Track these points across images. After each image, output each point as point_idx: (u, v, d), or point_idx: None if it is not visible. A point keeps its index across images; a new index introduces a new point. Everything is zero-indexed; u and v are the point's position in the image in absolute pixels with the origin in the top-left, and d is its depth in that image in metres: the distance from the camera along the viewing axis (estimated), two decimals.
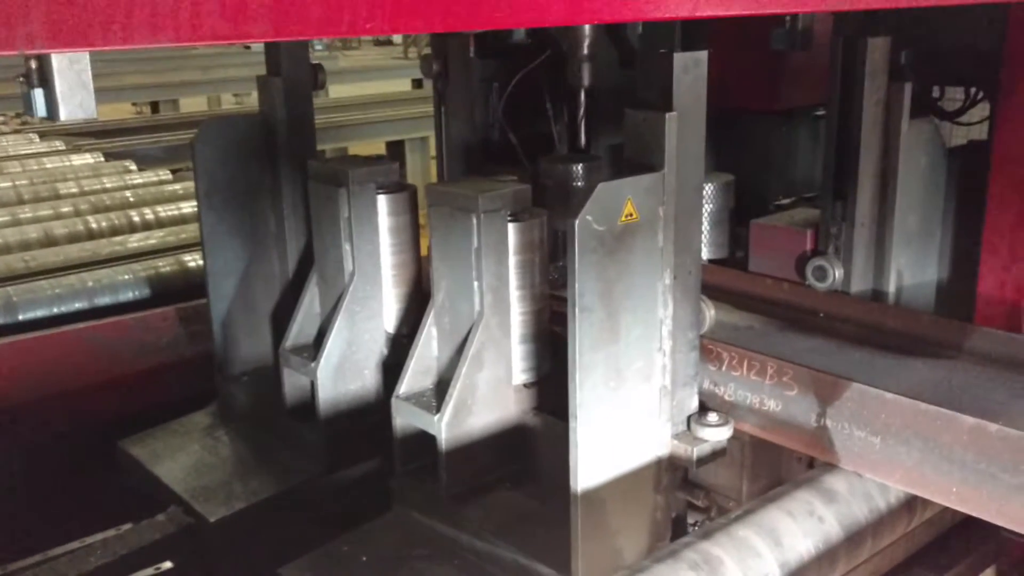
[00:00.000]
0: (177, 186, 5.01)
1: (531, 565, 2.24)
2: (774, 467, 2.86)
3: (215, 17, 1.14)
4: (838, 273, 2.63)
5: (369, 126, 7.88)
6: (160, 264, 3.71)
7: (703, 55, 2.11)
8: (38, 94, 1.61)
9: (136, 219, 4.43)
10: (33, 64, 1.55)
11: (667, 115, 2.06)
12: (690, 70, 2.09)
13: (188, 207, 4.62)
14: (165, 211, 4.54)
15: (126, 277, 3.60)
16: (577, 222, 1.94)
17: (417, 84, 11.35)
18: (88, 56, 1.49)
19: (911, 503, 2.13)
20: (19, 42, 1.01)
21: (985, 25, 2.67)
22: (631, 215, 2.04)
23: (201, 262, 3.73)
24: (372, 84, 11.16)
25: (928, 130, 2.67)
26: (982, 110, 3.02)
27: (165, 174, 5.34)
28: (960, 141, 3.17)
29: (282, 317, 3.28)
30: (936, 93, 3.06)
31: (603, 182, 1.97)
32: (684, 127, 2.09)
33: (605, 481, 2.12)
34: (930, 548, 2.35)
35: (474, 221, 2.38)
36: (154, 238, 4.12)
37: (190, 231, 4.22)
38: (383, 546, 2.47)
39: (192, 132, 7.37)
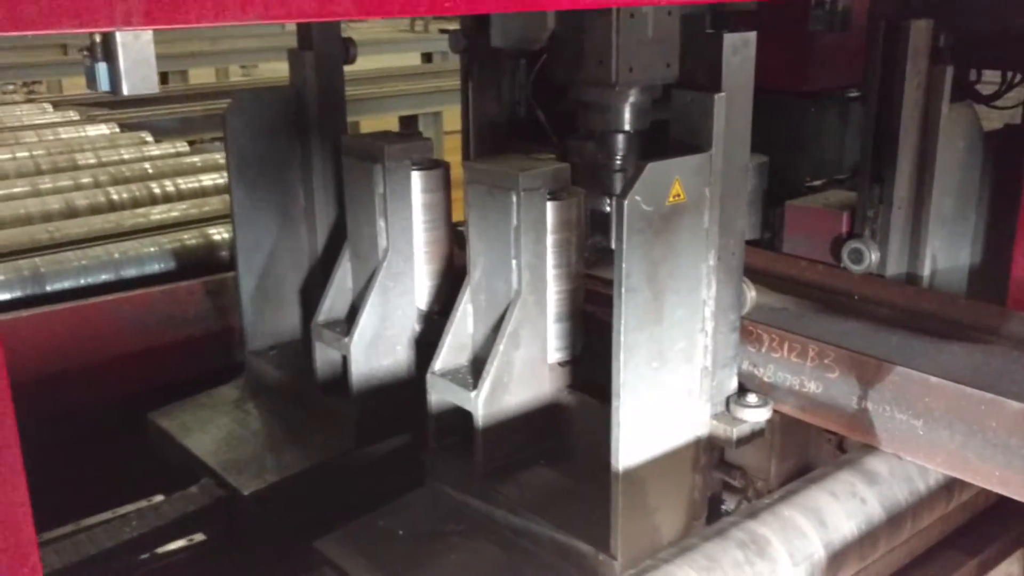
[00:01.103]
0: (196, 158, 5.00)
1: (569, 541, 2.25)
2: (802, 448, 2.88)
3: None
4: (874, 256, 2.64)
5: (381, 100, 7.84)
6: (185, 237, 3.71)
7: (751, 36, 2.10)
8: (101, 68, 1.61)
9: (157, 191, 4.42)
10: (97, 38, 1.55)
11: (716, 96, 2.06)
12: (739, 51, 2.09)
13: (208, 179, 4.61)
14: (185, 183, 4.53)
15: (152, 249, 3.60)
16: (627, 202, 1.94)
17: (427, 58, 11.30)
18: (152, 31, 1.48)
19: (950, 486, 2.15)
20: (118, 18, 1.01)
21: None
22: (678, 196, 2.04)
23: (227, 235, 3.74)
24: (380, 57, 11.09)
25: (967, 114, 2.67)
26: (1017, 94, 3.01)
27: (183, 146, 5.32)
28: (993, 125, 3.17)
29: (310, 292, 3.29)
30: (972, 76, 3.05)
31: (652, 162, 1.97)
32: (732, 108, 2.09)
33: (645, 460, 2.14)
34: (962, 530, 2.37)
35: (514, 199, 2.38)
36: (176, 210, 4.12)
37: (212, 203, 4.22)
38: (418, 521, 2.48)
39: (203, 103, 7.34)
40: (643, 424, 2.11)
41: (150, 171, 4.75)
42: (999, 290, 2.76)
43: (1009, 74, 3.03)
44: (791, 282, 2.68)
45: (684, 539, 1.87)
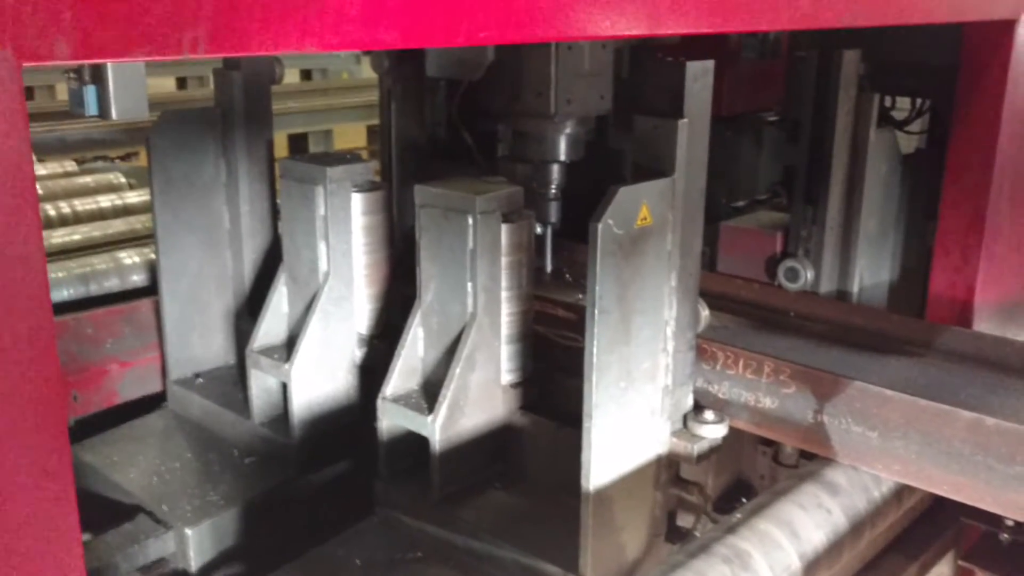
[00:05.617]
0: (88, 178, 4.79)
1: (535, 564, 2.26)
2: (736, 461, 2.98)
3: (355, 25, 1.13)
4: (809, 274, 2.75)
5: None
6: (95, 261, 3.54)
7: (710, 65, 2.18)
8: (90, 91, 1.54)
9: (52, 213, 4.21)
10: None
11: (679, 122, 2.11)
12: (699, 78, 2.16)
13: (106, 201, 4.43)
14: (82, 205, 4.34)
15: (60, 275, 3.42)
16: (600, 226, 1.97)
17: (305, 76, 11.11)
18: None
19: (899, 494, 2.25)
20: (185, 46, 0.98)
21: (937, 41, 2.82)
22: (645, 219, 2.08)
23: (138, 259, 3.60)
24: None
25: (889, 138, 2.81)
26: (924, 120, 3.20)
27: (71, 165, 5.10)
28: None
29: (236, 317, 3.21)
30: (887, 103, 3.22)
31: (623, 186, 2.01)
32: (692, 133, 2.15)
33: (613, 479, 2.17)
34: (903, 535, 2.49)
35: (470, 222, 2.39)
36: (78, 233, 3.93)
37: (116, 226, 4.05)
38: (375, 549, 2.44)
39: (84, 122, 7.00)
40: (611, 444, 2.14)
41: (40, 192, 4.53)
42: (917, 304, 2.92)
43: (918, 101, 3.22)
44: (728, 300, 2.76)
45: (671, 556, 1.90)
